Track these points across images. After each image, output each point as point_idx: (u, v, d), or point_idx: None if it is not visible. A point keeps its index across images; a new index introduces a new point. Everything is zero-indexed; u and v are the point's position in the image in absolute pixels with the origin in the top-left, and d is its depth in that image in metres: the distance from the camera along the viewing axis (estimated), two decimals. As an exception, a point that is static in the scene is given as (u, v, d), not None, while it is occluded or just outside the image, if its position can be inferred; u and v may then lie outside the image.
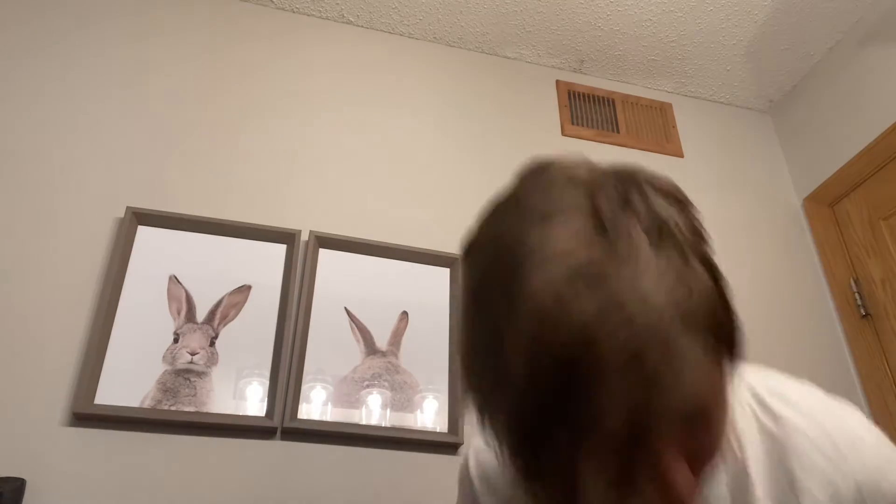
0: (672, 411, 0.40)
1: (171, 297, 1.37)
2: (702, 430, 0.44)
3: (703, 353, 0.41)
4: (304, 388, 1.35)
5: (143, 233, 1.42)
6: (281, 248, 1.48)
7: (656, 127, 2.05)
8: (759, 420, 0.57)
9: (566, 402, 0.40)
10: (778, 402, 0.57)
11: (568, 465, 0.41)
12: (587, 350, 0.39)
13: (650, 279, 0.40)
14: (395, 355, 1.44)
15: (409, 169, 1.71)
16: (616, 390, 0.39)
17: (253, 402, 1.32)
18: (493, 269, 0.44)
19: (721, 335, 0.43)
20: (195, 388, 1.30)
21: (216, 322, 1.37)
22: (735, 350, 0.45)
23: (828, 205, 1.97)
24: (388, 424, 1.37)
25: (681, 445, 0.42)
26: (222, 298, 1.40)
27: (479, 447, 0.70)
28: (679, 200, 0.47)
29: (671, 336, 0.40)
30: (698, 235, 0.46)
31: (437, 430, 1.38)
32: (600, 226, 0.42)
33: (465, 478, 0.71)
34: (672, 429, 0.41)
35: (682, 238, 0.44)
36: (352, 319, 1.45)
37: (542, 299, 0.40)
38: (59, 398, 1.23)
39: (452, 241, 1.59)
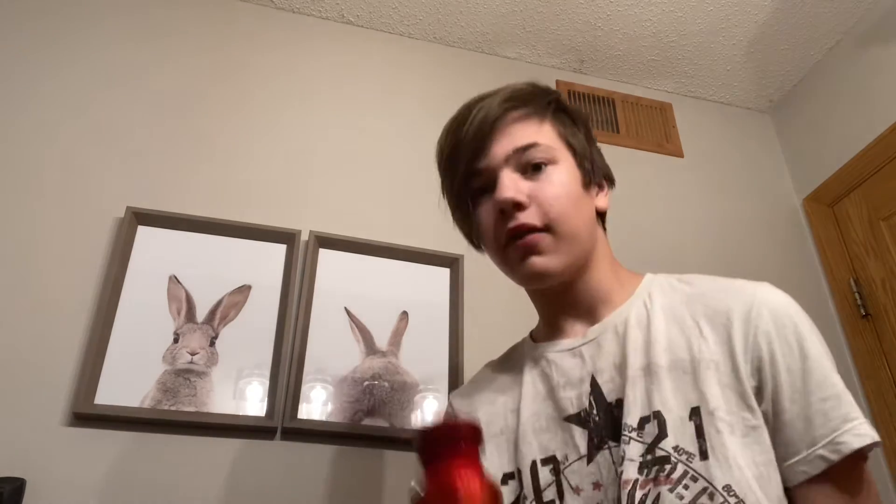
0: (499, 143, 0.79)
1: (171, 297, 1.37)
2: (534, 171, 0.78)
3: (524, 119, 0.80)
4: (304, 388, 1.35)
5: (143, 233, 1.42)
6: (281, 248, 1.48)
7: (656, 127, 2.05)
8: (673, 286, 0.79)
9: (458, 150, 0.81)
10: (690, 277, 0.80)
11: (465, 190, 0.82)
12: (464, 119, 0.81)
13: (498, 97, 0.81)
14: (395, 355, 1.44)
15: (410, 169, 1.71)
16: (467, 138, 0.80)
17: (253, 402, 1.32)
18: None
19: (553, 121, 0.82)
20: (195, 388, 1.29)
21: (216, 322, 1.37)
22: (564, 127, 0.82)
23: (828, 205, 1.97)
24: (388, 424, 1.37)
25: (514, 166, 0.78)
26: (222, 298, 1.40)
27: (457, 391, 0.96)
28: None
29: (496, 111, 0.79)
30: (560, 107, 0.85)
31: (437, 430, 1.38)
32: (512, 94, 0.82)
33: (446, 413, 0.94)
34: (503, 154, 0.78)
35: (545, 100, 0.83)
36: (352, 319, 1.45)
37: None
38: (59, 398, 1.23)
39: (452, 241, 1.59)
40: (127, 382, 1.26)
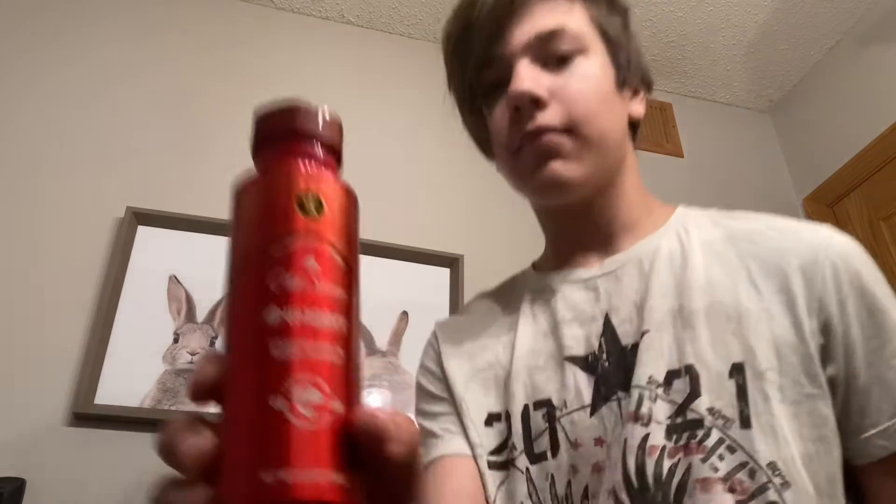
0: (517, 27, 0.64)
1: (171, 297, 1.37)
2: (558, 64, 0.64)
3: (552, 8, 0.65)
4: (304, 388, 1.35)
5: (143, 233, 1.42)
6: (281, 248, 1.48)
7: (656, 127, 2.05)
8: (715, 220, 0.68)
9: (467, 42, 0.66)
10: (735, 213, 0.70)
11: (474, 87, 0.68)
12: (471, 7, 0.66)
13: None
14: (395, 355, 1.44)
15: (409, 169, 1.71)
16: (483, 22, 0.65)
17: (253, 402, 1.32)
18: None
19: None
20: (195, 388, 1.29)
21: (216, 322, 1.37)
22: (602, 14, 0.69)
23: (828, 205, 1.97)
24: (388, 424, 1.37)
25: (534, 56, 0.63)
26: (222, 298, 1.40)
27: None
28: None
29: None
30: None
31: (437, 430, 1.38)
32: None
33: (428, 342, 0.79)
34: (522, 40, 0.64)
35: None
36: (352, 319, 1.45)
37: None
38: (59, 398, 1.23)
39: (452, 241, 1.59)
40: (127, 382, 1.26)
